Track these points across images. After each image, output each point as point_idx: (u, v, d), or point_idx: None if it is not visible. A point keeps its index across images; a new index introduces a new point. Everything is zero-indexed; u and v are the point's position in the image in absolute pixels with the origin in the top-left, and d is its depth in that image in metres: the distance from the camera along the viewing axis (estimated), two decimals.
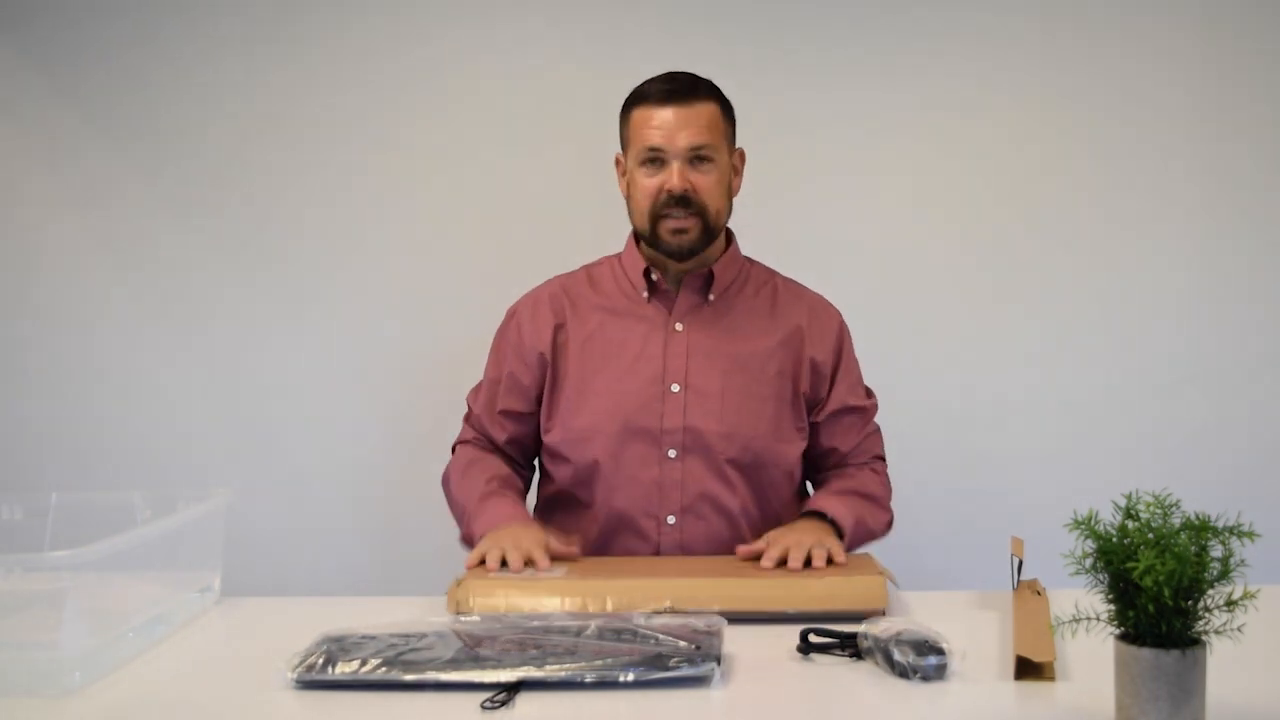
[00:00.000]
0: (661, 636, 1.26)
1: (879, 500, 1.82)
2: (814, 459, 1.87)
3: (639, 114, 1.76)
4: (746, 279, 1.88)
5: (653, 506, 1.77)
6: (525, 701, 1.17)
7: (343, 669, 1.21)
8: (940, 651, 1.21)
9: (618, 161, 1.86)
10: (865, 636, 1.27)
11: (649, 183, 1.76)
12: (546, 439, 1.84)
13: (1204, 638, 1.01)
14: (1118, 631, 1.04)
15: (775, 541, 1.60)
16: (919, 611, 1.47)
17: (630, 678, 1.19)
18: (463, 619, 1.35)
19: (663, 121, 1.73)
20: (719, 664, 1.21)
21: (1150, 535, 1.01)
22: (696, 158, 1.74)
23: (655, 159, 1.75)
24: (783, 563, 1.56)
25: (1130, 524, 1.03)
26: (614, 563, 1.69)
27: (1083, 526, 1.04)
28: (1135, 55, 2.38)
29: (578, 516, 1.81)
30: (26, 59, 2.44)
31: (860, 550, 1.75)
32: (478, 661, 1.21)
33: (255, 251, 2.46)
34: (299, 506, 2.45)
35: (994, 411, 2.43)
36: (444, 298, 2.43)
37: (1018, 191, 2.42)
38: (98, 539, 1.26)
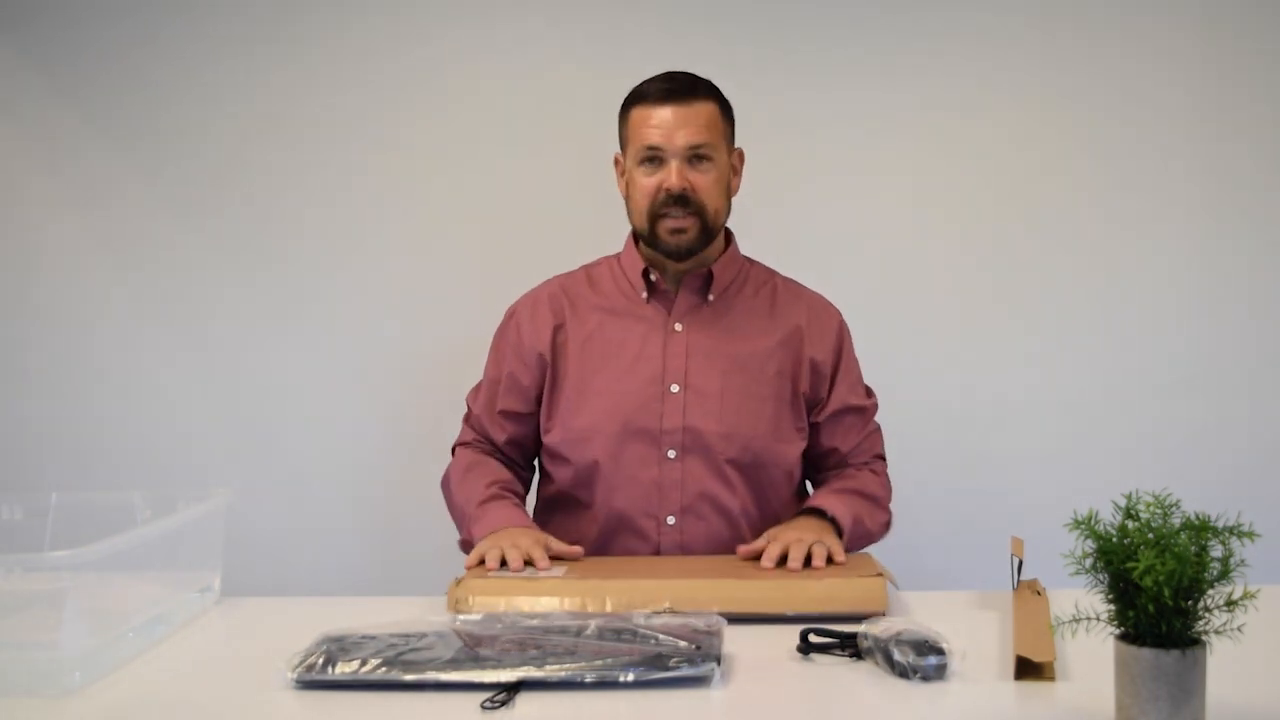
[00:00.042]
0: (661, 636, 1.26)
1: (878, 500, 1.82)
2: (814, 459, 1.87)
3: (638, 113, 1.76)
4: (746, 279, 1.88)
5: (652, 507, 1.77)
6: (525, 701, 1.17)
7: (343, 669, 1.21)
8: (940, 651, 1.21)
9: (616, 161, 1.86)
10: (865, 636, 1.27)
11: (647, 182, 1.76)
12: (546, 439, 1.84)
13: (1204, 638, 1.01)
14: (1118, 631, 1.04)
15: (775, 539, 1.60)
16: (919, 611, 1.47)
17: (630, 678, 1.19)
18: (463, 619, 1.35)
19: (661, 121, 1.73)
20: (719, 664, 1.21)
21: (1150, 535, 1.01)
22: (695, 157, 1.74)
23: (654, 158, 1.75)
24: (783, 561, 1.56)
25: (1130, 524, 1.03)
26: (614, 563, 1.69)
27: (1083, 526, 1.04)
28: (1135, 55, 2.38)
29: (577, 517, 1.81)
30: (26, 59, 2.44)
31: (859, 550, 1.75)
32: (478, 661, 1.21)
33: (255, 251, 2.46)
34: (299, 506, 2.45)
35: (994, 411, 2.43)
36: (444, 298, 2.43)
37: (1018, 191, 2.42)
38: (98, 539, 1.26)
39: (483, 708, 1.15)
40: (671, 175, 1.73)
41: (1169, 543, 0.99)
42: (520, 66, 2.42)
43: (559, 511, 1.85)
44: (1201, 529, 1.01)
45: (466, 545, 1.77)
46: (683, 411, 1.77)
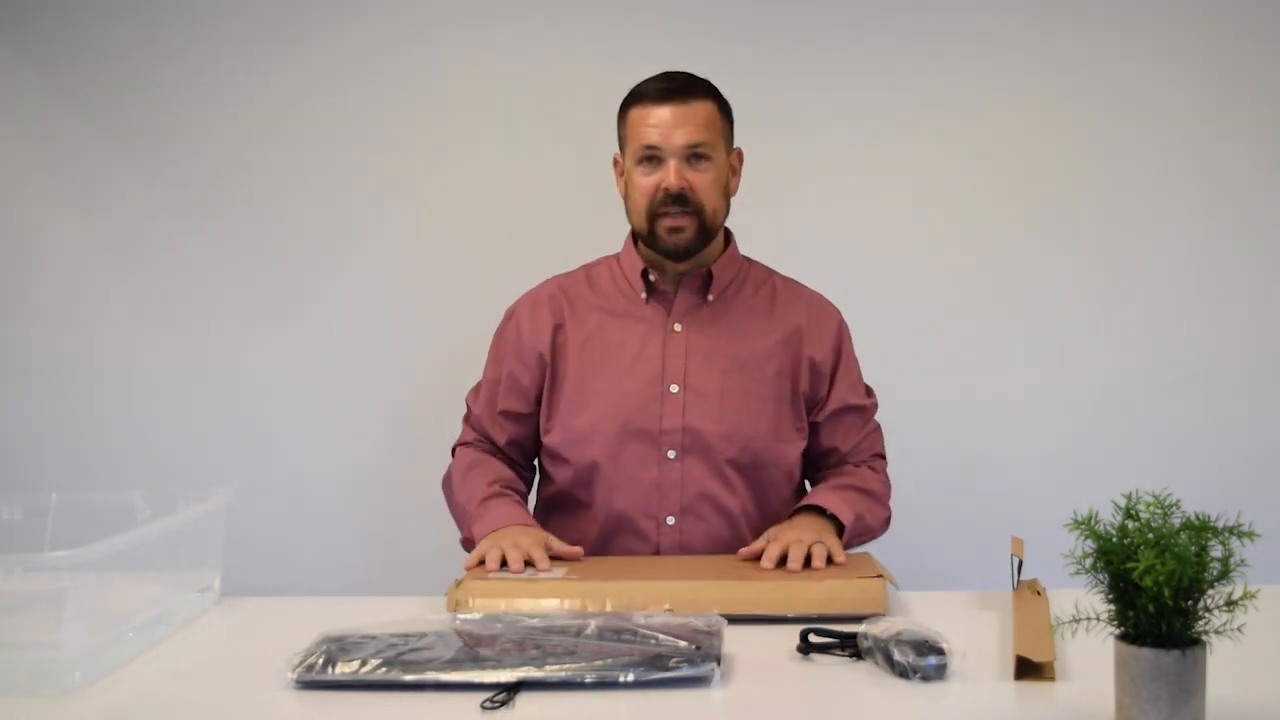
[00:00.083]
0: (661, 636, 1.26)
1: (878, 497, 1.82)
2: (814, 458, 1.87)
3: (636, 113, 1.77)
4: (745, 279, 1.88)
5: (652, 507, 1.77)
6: (525, 701, 1.17)
7: (343, 669, 1.21)
8: (940, 651, 1.21)
9: (616, 162, 1.86)
10: (865, 636, 1.27)
11: (646, 181, 1.76)
12: (546, 440, 1.84)
13: (1204, 638, 1.01)
14: (1118, 631, 1.04)
15: (775, 539, 1.60)
16: (919, 611, 1.47)
17: (630, 678, 1.19)
18: (463, 619, 1.35)
19: (659, 120, 1.73)
20: (719, 664, 1.21)
21: (1150, 535, 1.01)
22: (693, 156, 1.74)
23: (652, 157, 1.75)
24: (783, 560, 1.55)
25: (1130, 524, 1.03)
26: (614, 563, 1.69)
27: (1083, 526, 1.04)
28: (1135, 55, 2.38)
29: (577, 517, 1.81)
30: (26, 59, 2.44)
31: (859, 549, 1.75)
32: (478, 661, 1.21)
33: (255, 251, 2.46)
34: (299, 506, 2.46)
35: (994, 411, 2.43)
36: (444, 298, 2.43)
37: (1018, 191, 2.42)
38: (98, 539, 1.26)
39: (483, 708, 1.15)
40: (669, 175, 1.73)
41: (1169, 543, 0.99)
42: (520, 66, 2.42)
43: (559, 512, 1.85)
44: (1201, 529, 1.01)
45: (468, 544, 1.77)
46: (682, 412, 1.77)
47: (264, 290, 2.46)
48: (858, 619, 1.35)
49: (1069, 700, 1.16)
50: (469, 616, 1.36)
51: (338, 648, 1.25)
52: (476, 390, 1.92)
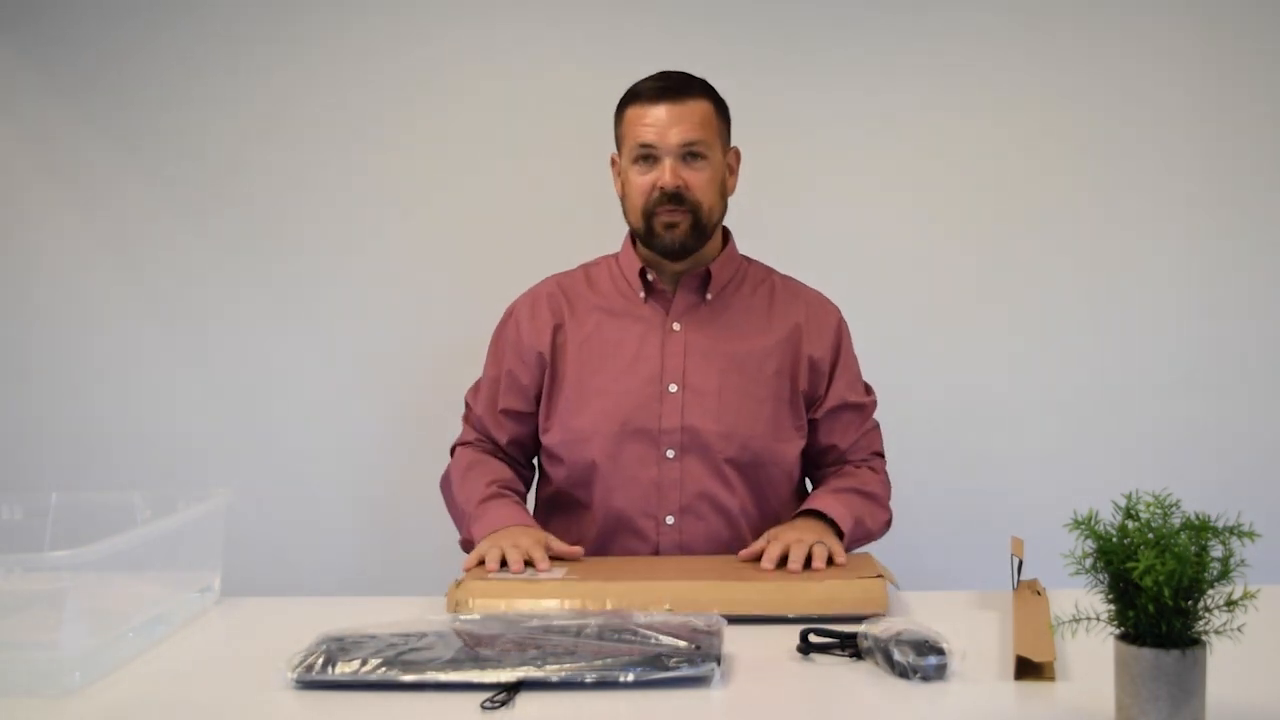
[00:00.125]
0: (661, 636, 1.26)
1: (878, 499, 1.82)
2: (813, 456, 1.87)
3: (632, 112, 1.77)
4: (744, 278, 1.88)
5: (651, 507, 1.77)
6: (525, 701, 1.17)
7: (343, 669, 1.21)
8: (940, 651, 1.21)
9: (613, 162, 1.86)
10: (865, 636, 1.27)
11: (642, 180, 1.76)
12: (545, 439, 1.84)
13: (1204, 638, 1.01)
14: (1118, 631, 1.04)
15: (775, 539, 1.60)
16: (919, 611, 1.47)
17: (630, 678, 1.19)
18: (463, 619, 1.35)
19: (655, 119, 1.74)
20: (719, 664, 1.21)
21: (1150, 535, 1.01)
22: (689, 154, 1.74)
23: (648, 156, 1.75)
24: (783, 561, 1.55)
25: (1130, 524, 1.03)
26: (613, 563, 1.69)
27: (1083, 526, 1.04)
28: (1135, 55, 2.38)
29: (576, 517, 1.81)
30: (26, 59, 2.44)
31: (859, 550, 1.75)
32: (478, 661, 1.21)
33: (255, 251, 2.46)
34: (299, 506, 2.45)
35: (994, 411, 2.43)
36: (444, 298, 2.44)
37: (1018, 191, 2.42)
38: (98, 539, 1.26)
39: (483, 708, 1.15)
40: (665, 173, 1.73)
41: (1169, 543, 0.99)
42: (520, 66, 2.42)
43: (558, 512, 1.85)
44: (1201, 529, 1.01)
45: (467, 545, 1.77)
46: (681, 411, 1.77)
47: (264, 290, 2.46)
48: (858, 619, 1.35)
49: (1069, 700, 1.16)
50: (469, 616, 1.36)
51: (338, 648, 1.25)
52: (476, 389, 1.92)
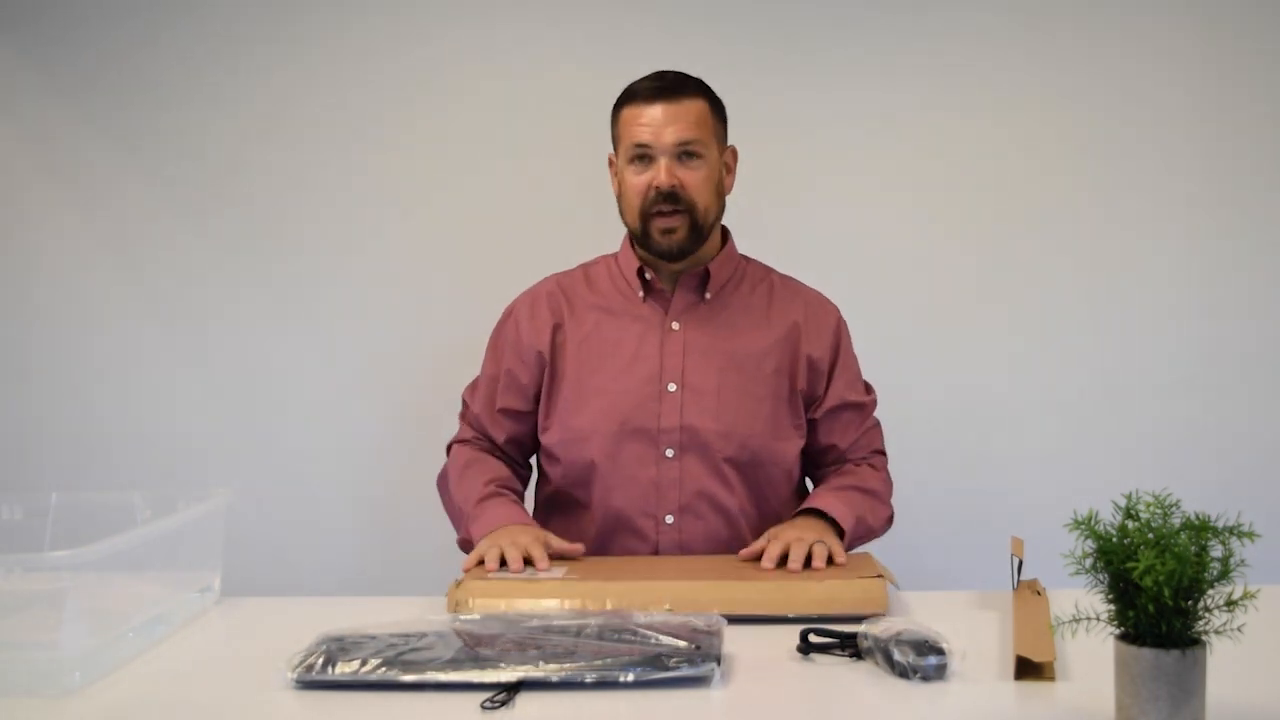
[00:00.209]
0: (661, 636, 1.26)
1: (879, 496, 1.82)
2: (813, 455, 1.87)
3: (628, 112, 1.77)
4: (743, 277, 1.88)
5: (650, 506, 1.77)
6: (525, 701, 1.17)
7: (343, 669, 1.21)
8: (940, 651, 1.21)
9: (610, 162, 1.86)
10: (865, 636, 1.27)
11: (638, 180, 1.76)
12: (544, 439, 1.84)
13: (1204, 638, 1.01)
14: (1118, 631, 1.04)
15: (775, 538, 1.60)
16: (919, 611, 1.47)
17: (630, 678, 1.19)
18: (463, 619, 1.35)
19: (651, 118, 1.74)
20: (719, 664, 1.21)
21: (1150, 535, 1.01)
22: (684, 154, 1.74)
23: (643, 156, 1.75)
24: (783, 560, 1.55)
25: (1130, 524, 1.03)
26: (613, 563, 1.69)
27: (1083, 526, 1.04)
28: (1135, 55, 2.38)
29: (576, 517, 1.81)
30: (26, 59, 2.44)
31: (860, 549, 1.75)
32: (478, 661, 1.21)
33: (255, 251, 2.46)
34: (299, 506, 2.46)
35: (994, 411, 2.43)
36: (444, 298, 2.44)
37: (1018, 191, 2.42)
38: (98, 539, 1.26)
39: (483, 708, 1.15)
40: (660, 173, 1.73)
41: (1169, 543, 0.99)
42: (520, 66, 2.42)
43: (557, 511, 1.85)
44: (1201, 529, 1.01)
45: (465, 544, 1.77)
46: (680, 410, 1.77)
47: (264, 290, 2.46)
48: (858, 619, 1.35)
49: (1069, 700, 1.16)
50: (469, 616, 1.36)
51: (338, 648, 1.25)
52: (474, 387, 1.92)
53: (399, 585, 1.67)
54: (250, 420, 2.47)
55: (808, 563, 1.54)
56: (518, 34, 2.42)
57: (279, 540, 2.41)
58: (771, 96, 2.37)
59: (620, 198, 1.82)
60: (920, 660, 1.20)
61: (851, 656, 1.28)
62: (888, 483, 1.87)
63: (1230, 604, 1.00)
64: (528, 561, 1.56)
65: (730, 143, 1.85)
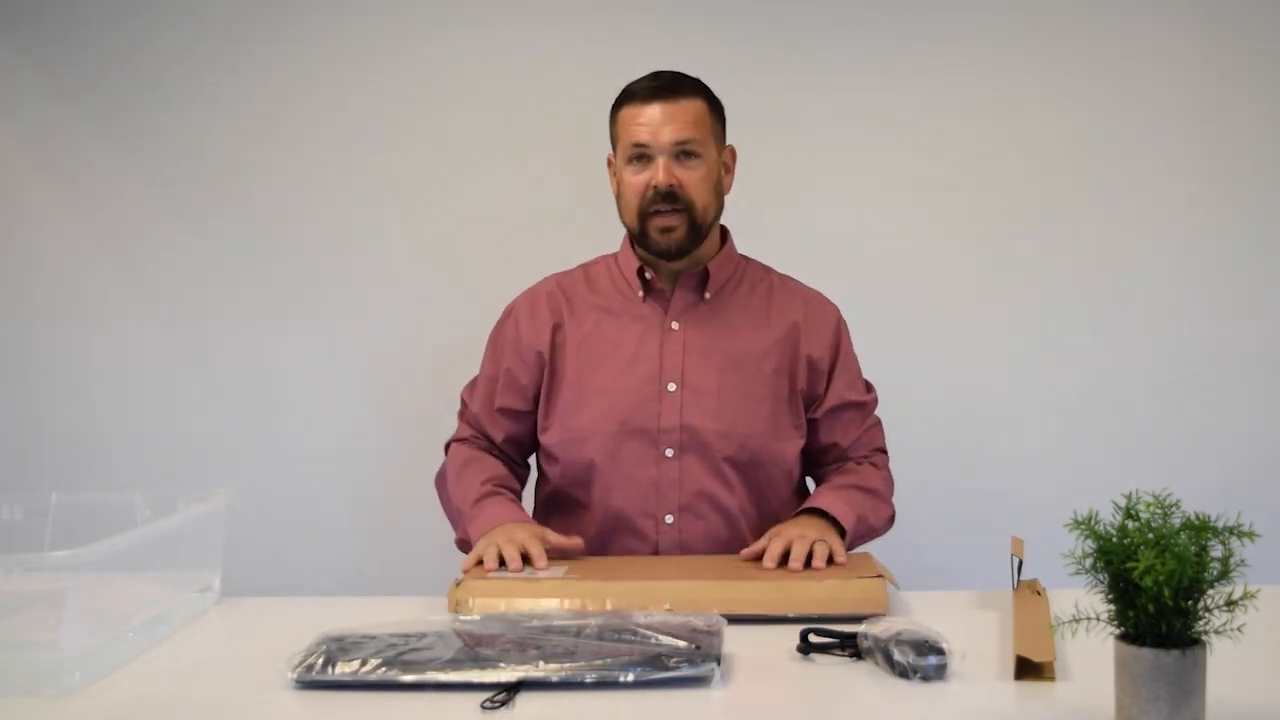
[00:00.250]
0: (661, 636, 1.26)
1: (880, 495, 1.82)
2: (814, 454, 1.87)
3: (626, 112, 1.77)
4: (742, 277, 1.88)
5: (650, 506, 1.77)
6: (525, 701, 1.17)
7: (343, 669, 1.21)
8: (940, 651, 1.21)
9: (609, 163, 1.86)
10: (865, 636, 1.27)
11: (636, 180, 1.76)
12: (543, 439, 1.84)
13: (1204, 638, 1.01)
14: (1118, 631, 1.04)
15: (777, 535, 1.60)
16: (919, 611, 1.47)
17: (630, 678, 1.19)
18: (463, 619, 1.35)
19: (649, 118, 1.74)
20: (719, 664, 1.21)
21: (1150, 535, 1.01)
22: (683, 153, 1.74)
23: (642, 155, 1.75)
24: (784, 559, 1.55)
25: (1130, 524, 1.03)
26: (613, 563, 1.69)
27: (1083, 526, 1.04)
28: (1135, 55, 2.38)
29: (576, 517, 1.81)
30: (26, 59, 2.44)
31: (860, 549, 1.75)
32: (478, 661, 1.21)
33: (255, 251, 2.46)
34: (299, 506, 2.46)
35: (994, 411, 2.43)
36: (444, 298, 2.44)
37: (1018, 191, 2.42)
38: (98, 539, 1.26)
39: (483, 708, 1.15)
40: (658, 172, 1.73)
41: (1169, 543, 0.99)
42: (520, 66, 2.42)
43: (557, 512, 1.85)
44: (1201, 529, 1.01)
45: (463, 544, 1.77)
46: (680, 410, 1.77)
47: (264, 290, 2.46)
48: (858, 619, 1.35)
49: (1069, 700, 1.16)
50: (469, 617, 1.36)
51: (338, 648, 1.25)
52: (473, 386, 1.92)
53: (399, 585, 1.67)
54: (250, 420, 2.47)
55: (809, 562, 1.54)
56: (518, 34, 2.42)
57: (279, 540, 2.41)
58: (771, 96, 2.37)
59: (619, 198, 1.82)
60: (920, 660, 1.20)
61: (851, 656, 1.28)
62: (889, 481, 1.87)
63: (1230, 604, 1.00)
64: (526, 559, 1.56)
65: (729, 142, 1.85)
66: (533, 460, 1.93)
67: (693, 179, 1.75)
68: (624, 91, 1.80)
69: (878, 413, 1.91)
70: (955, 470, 2.41)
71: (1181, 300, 2.41)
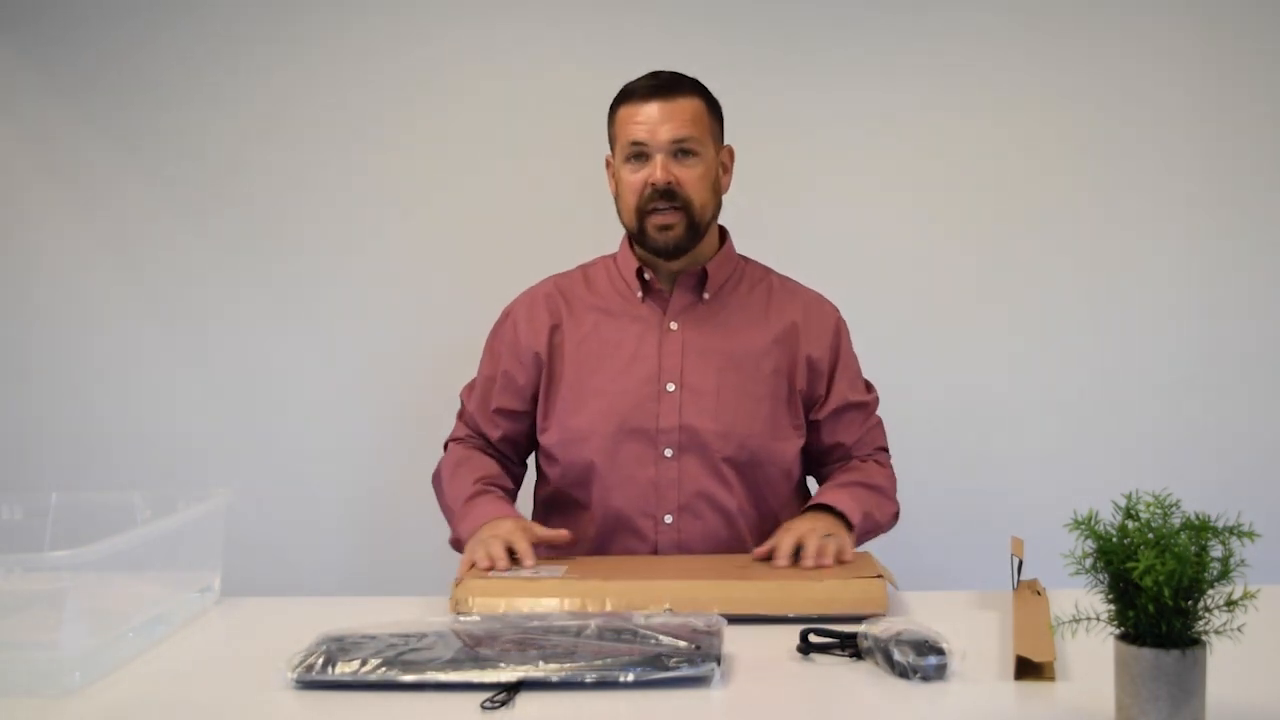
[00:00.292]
0: (661, 636, 1.26)
1: (884, 492, 1.82)
2: (818, 455, 1.87)
3: (624, 111, 1.77)
4: (741, 277, 1.88)
5: (650, 506, 1.77)
6: (525, 701, 1.17)
7: (343, 669, 1.21)
8: (940, 651, 1.21)
9: (608, 163, 1.86)
10: (865, 636, 1.27)
11: (634, 178, 1.76)
12: (542, 439, 1.84)
13: (1204, 638, 1.01)
14: (1118, 631, 1.04)
15: (789, 530, 1.60)
16: (919, 611, 1.47)
17: (630, 678, 1.19)
18: (463, 619, 1.35)
19: (646, 116, 1.74)
20: (719, 664, 1.21)
21: (1150, 535, 1.01)
22: (680, 151, 1.75)
23: (640, 154, 1.75)
24: (795, 555, 1.56)
25: (1130, 524, 1.03)
26: (613, 562, 1.69)
27: (1083, 526, 1.04)
28: (1135, 55, 2.38)
29: (575, 517, 1.81)
30: (26, 59, 2.44)
31: (861, 547, 1.75)
32: (478, 661, 1.21)
33: (255, 251, 2.46)
34: (299, 506, 2.45)
35: (994, 411, 2.43)
36: (444, 298, 2.44)
37: (1018, 191, 2.42)
38: (98, 539, 1.26)
39: (483, 708, 1.15)
40: (656, 169, 1.74)
41: (1169, 543, 0.99)
42: (520, 66, 2.42)
43: (556, 512, 1.85)
44: (1201, 529, 1.01)
45: (455, 544, 1.77)
46: (679, 410, 1.77)
47: (264, 290, 2.46)
48: (858, 619, 1.35)
49: (1069, 700, 1.16)
50: (469, 617, 1.36)
51: (338, 648, 1.25)
52: (471, 386, 1.93)
53: (399, 585, 1.67)
54: (250, 420, 2.47)
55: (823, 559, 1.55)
56: (518, 34, 2.42)
57: (279, 540, 2.41)
58: (771, 96, 2.37)
59: (618, 197, 1.83)
60: (920, 660, 1.20)
61: (851, 656, 1.28)
62: (892, 478, 1.87)
63: (1230, 604, 1.00)
64: (514, 557, 1.56)
65: (728, 142, 1.85)
66: (531, 461, 1.93)
67: (691, 177, 1.75)
68: (622, 91, 1.80)
69: (878, 412, 1.91)
70: (955, 470, 2.41)
71: (1181, 300, 2.41)
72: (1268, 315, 2.40)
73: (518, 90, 2.42)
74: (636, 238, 1.81)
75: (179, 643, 1.42)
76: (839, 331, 1.88)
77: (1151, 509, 1.03)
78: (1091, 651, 1.11)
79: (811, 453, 1.86)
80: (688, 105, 1.76)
